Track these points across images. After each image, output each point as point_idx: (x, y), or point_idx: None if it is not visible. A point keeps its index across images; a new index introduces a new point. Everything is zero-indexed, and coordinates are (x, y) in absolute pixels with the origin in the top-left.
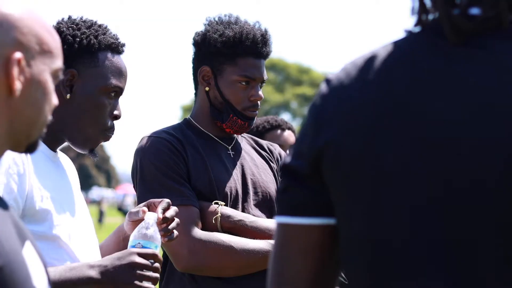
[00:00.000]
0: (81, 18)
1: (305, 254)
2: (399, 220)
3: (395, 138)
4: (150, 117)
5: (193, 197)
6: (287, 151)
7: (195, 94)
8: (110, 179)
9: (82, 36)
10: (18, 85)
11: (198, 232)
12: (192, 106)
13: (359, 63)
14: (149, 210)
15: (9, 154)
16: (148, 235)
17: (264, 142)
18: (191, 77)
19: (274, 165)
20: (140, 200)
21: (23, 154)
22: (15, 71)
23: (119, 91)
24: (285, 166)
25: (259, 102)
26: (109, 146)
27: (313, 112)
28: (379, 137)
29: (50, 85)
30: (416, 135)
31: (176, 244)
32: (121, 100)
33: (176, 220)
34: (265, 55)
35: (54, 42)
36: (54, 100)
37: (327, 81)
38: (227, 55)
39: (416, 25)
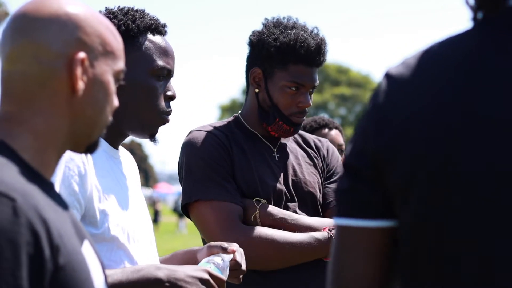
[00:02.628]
0: (118, 7)
1: (369, 256)
2: (483, 220)
3: (463, 139)
4: (187, 117)
5: (237, 194)
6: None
7: (247, 92)
8: (148, 178)
9: (120, 23)
10: (81, 85)
11: (241, 227)
12: (230, 106)
13: (422, 59)
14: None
15: (68, 155)
16: (221, 265)
17: (311, 138)
18: (229, 76)
19: (319, 163)
20: (186, 192)
21: (83, 154)
22: (79, 71)
23: (167, 71)
24: (348, 165)
25: (306, 108)
26: (147, 146)
27: (374, 109)
28: (447, 138)
29: (112, 86)
30: (486, 140)
31: (219, 239)
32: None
33: (244, 268)
34: (318, 64)
35: (117, 44)
36: (115, 101)
37: (388, 77)
38: (279, 60)
39: (476, 17)
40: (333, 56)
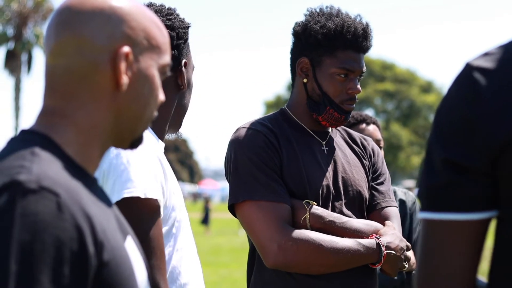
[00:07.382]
0: (167, 9)
1: (472, 248)
2: None
3: None
4: (232, 113)
5: (285, 194)
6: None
7: (292, 85)
8: (193, 174)
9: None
10: (125, 80)
11: (288, 229)
12: (275, 102)
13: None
14: None
15: (148, 153)
16: None
17: (357, 136)
18: (274, 72)
19: (366, 162)
20: (233, 192)
21: (159, 152)
22: (123, 65)
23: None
24: (449, 161)
25: (356, 95)
26: (193, 142)
27: (479, 104)
28: None
29: (157, 81)
30: None
31: (266, 240)
32: (199, 95)
33: None
34: (365, 49)
35: (163, 38)
36: (161, 96)
37: (481, 70)
38: (327, 47)
39: None
40: (378, 51)
